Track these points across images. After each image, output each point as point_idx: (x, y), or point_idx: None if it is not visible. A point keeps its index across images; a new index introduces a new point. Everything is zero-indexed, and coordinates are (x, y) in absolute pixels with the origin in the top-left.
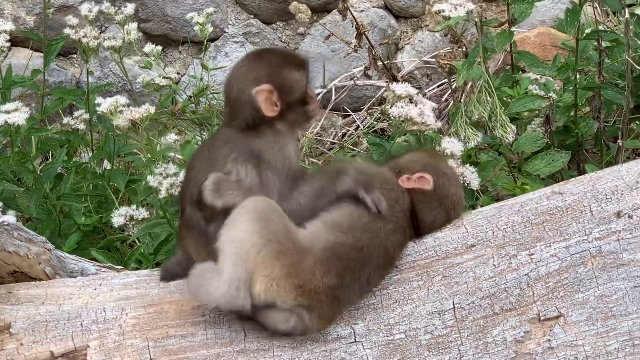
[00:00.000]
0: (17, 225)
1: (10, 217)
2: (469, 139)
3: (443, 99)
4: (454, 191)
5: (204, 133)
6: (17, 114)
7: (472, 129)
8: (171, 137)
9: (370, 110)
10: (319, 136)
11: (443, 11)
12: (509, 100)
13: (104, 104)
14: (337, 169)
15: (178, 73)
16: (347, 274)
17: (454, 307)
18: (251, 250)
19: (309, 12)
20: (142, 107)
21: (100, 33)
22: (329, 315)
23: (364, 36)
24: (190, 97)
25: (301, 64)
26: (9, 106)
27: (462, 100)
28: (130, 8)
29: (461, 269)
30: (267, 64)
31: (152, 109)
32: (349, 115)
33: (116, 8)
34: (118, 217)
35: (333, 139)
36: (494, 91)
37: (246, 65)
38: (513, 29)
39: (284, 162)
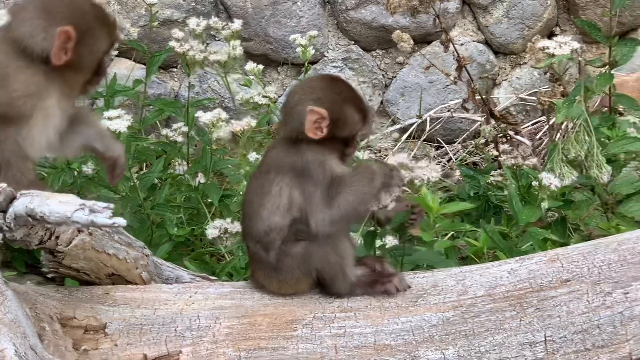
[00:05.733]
0: (118, 229)
1: (121, 220)
2: (564, 176)
3: (537, 136)
4: None
5: None
6: (119, 121)
7: (567, 167)
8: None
9: (464, 144)
10: None
11: (548, 48)
12: (606, 141)
13: (205, 116)
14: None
15: (275, 93)
16: None
17: (545, 339)
18: None
19: (412, 41)
20: (244, 120)
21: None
22: None
23: (464, 69)
24: None
25: (365, 113)
26: (112, 113)
27: (558, 138)
28: (237, 24)
29: (555, 302)
30: (336, 93)
31: (254, 122)
32: (442, 146)
33: (223, 23)
34: (212, 229)
35: None
36: (593, 131)
37: (318, 83)
38: (612, 72)
39: (325, 174)
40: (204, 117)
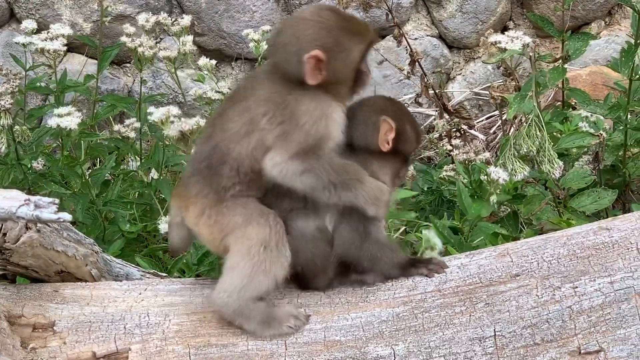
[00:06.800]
0: (67, 226)
1: (66, 215)
2: (515, 171)
3: (491, 131)
4: None
5: None
6: (69, 118)
7: (519, 162)
8: None
9: None
10: None
11: (499, 43)
12: (559, 135)
13: (156, 114)
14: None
15: (229, 88)
16: None
17: (495, 334)
18: None
19: None
20: (193, 119)
21: (156, 44)
22: None
23: (417, 64)
24: None
25: (418, 133)
26: (62, 110)
27: (511, 133)
28: (186, 20)
29: (504, 297)
30: (399, 108)
31: (202, 122)
32: None
33: (173, 19)
34: (165, 224)
35: None
36: (544, 126)
37: (380, 99)
38: (566, 66)
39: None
40: (155, 113)
